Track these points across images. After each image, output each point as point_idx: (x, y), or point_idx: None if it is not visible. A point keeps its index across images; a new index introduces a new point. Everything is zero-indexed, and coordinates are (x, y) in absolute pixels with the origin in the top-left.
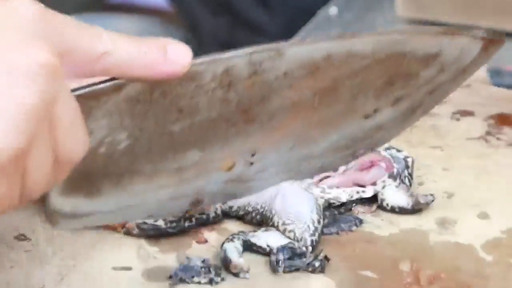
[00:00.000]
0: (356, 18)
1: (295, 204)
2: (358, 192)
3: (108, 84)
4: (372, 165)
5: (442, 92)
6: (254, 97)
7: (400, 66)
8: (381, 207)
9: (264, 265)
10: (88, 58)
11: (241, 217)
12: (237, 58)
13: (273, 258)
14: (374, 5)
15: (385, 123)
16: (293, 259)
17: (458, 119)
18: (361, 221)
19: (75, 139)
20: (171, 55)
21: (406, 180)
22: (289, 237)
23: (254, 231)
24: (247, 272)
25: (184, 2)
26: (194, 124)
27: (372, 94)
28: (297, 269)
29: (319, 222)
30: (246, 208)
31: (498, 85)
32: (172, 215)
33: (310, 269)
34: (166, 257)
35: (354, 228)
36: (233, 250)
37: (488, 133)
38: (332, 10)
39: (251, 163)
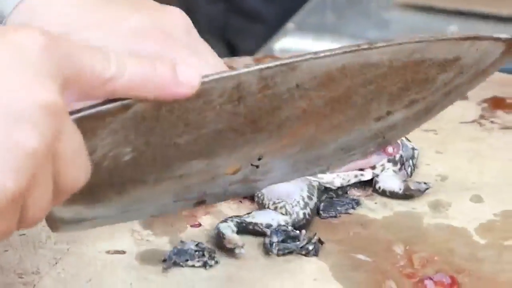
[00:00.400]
0: (350, 2)
1: (285, 186)
2: (356, 176)
3: (114, 104)
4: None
5: (459, 93)
6: (264, 109)
7: (417, 72)
8: (374, 190)
9: (257, 248)
10: (96, 83)
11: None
12: (248, 74)
13: (267, 240)
14: None
15: (397, 123)
16: (286, 242)
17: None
18: (358, 203)
19: (76, 170)
20: (181, 77)
21: (409, 169)
22: (282, 214)
23: (249, 213)
24: (242, 247)
25: None
26: (201, 136)
27: (386, 99)
28: (291, 252)
29: (310, 198)
30: None
31: None
32: (174, 214)
33: (303, 252)
34: (160, 240)
35: (351, 210)
36: (227, 228)
37: (482, 116)
38: None
39: (257, 166)
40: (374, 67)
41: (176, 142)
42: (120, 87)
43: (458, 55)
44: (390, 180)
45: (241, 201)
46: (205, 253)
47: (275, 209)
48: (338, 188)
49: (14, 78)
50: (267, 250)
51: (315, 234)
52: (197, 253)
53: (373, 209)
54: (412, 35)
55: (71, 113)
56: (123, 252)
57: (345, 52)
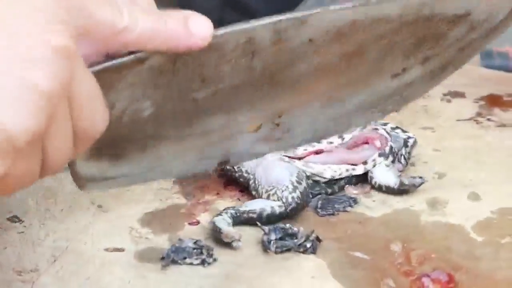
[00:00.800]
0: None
1: (275, 172)
2: (348, 170)
3: (129, 57)
4: (366, 142)
5: (473, 49)
6: (279, 63)
7: (428, 27)
8: (372, 186)
9: (255, 246)
10: (108, 34)
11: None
12: (260, 28)
13: (265, 238)
14: None
15: (414, 80)
16: (284, 239)
17: (449, 101)
18: (355, 201)
19: (93, 116)
20: (192, 28)
21: (402, 160)
22: (274, 200)
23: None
24: (239, 240)
25: None
26: (218, 90)
27: (400, 55)
28: (289, 250)
29: (299, 183)
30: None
31: (489, 67)
32: (198, 174)
33: (301, 250)
34: (158, 238)
35: (348, 208)
36: (222, 221)
37: (479, 114)
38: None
39: (278, 124)
40: (384, 22)
41: (194, 97)
42: (132, 39)
43: (468, 10)
44: (384, 175)
45: (239, 199)
46: (203, 250)
47: (268, 197)
48: (333, 183)
49: (27, 23)
50: (265, 247)
51: (313, 231)
52: (195, 250)
53: (371, 207)
54: None
55: (87, 66)
56: (122, 250)
57: (355, 7)
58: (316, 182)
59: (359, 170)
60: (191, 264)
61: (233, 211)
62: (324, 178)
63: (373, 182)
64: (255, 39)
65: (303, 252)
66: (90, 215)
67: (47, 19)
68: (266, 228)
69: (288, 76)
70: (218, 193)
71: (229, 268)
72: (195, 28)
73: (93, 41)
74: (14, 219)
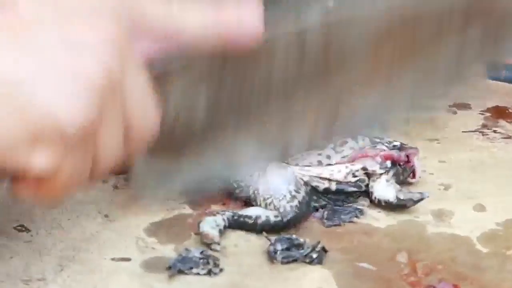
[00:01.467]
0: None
1: (272, 181)
2: (347, 167)
3: (180, 60)
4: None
5: None
6: (331, 60)
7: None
8: (371, 201)
9: (261, 256)
10: (161, 35)
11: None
12: (309, 26)
13: (271, 248)
14: None
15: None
16: (290, 249)
17: (455, 112)
18: (361, 212)
19: (145, 115)
20: (245, 28)
21: (405, 174)
22: (271, 210)
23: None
24: (218, 244)
25: None
26: (272, 85)
27: (455, 31)
28: (295, 260)
29: (297, 191)
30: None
31: (495, 79)
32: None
33: (307, 260)
34: (164, 248)
35: (355, 219)
36: (208, 222)
37: (484, 126)
38: (329, 3)
39: (335, 115)
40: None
41: (248, 92)
42: (185, 41)
43: None
44: (384, 190)
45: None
46: (210, 260)
47: (266, 206)
48: (347, 195)
49: (78, 13)
50: (271, 257)
51: (319, 242)
52: (201, 260)
53: (377, 217)
54: None
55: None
56: (128, 260)
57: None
58: (315, 189)
59: (358, 165)
60: (197, 274)
61: (230, 214)
62: (320, 187)
63: (373, 197)
64: (305, 38)
65: (309, 263)
66: (97, 225)
67: (100, 9)
68: (272, 238)
69: (341, 70)
70: (224, 203)
71: (235, 278)
72: (247, 28)
73: (146, 42)
74: (21, 228)
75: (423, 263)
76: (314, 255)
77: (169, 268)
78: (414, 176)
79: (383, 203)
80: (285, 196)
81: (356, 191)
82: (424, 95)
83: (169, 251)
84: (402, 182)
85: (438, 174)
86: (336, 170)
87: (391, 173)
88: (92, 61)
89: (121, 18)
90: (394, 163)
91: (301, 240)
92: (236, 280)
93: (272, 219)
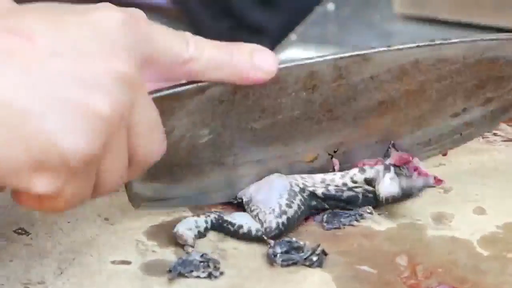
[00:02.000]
0: (353, 14)
1: (265, 191)
2: (344, 170)
3: (190, 86)
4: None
5: None
6: (339, 98)
7: (491, 70)
8: (380, 202)
9: (261, 259)
10: (174, 64)
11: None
12: (322, 63)
13: (271, 251)
14: (371, 1)
15: (474, 121)
16: (290, 252)
17: None
18: (361, 216)
19: (151, 144)
20: (258, 62)
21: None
22: (257, 221)
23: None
24: (192, 246)
25: (186, 5)
26: (277, 122)
27: (461, 96)
28: (295, 263)
29: (289, 206)
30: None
31: None
32: None
33: (307, 264)
34: (164, 251)
35: (355, 223)
36: (185, 223)
37: None
38: (330, 6)
39: (333, 156)
40: (448, 62)
41: (253, 126)
42: (197, 70)
43: None
44: (388, 187)
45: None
46: (210, 264)
47: (253, 217)
48: (348, 202)
49: (92, 48)
50: (270, 260)
51: (319, 245)
52: (202, 264)
53: (377, 221)
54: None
55: (149, 93)
56: (128, 263)
57: (419, 46)
58: (314, 194)
59: (357, 176)
60: (198, 277)
61: (215, 216)
62: (316, 192)
63: (380, 198)
64: (316, 74)
65: (309, 266)
66: (97, 228)
67: (114, 45)
68: (272, 241)
69: (347, 111)
70: (224, 207)
71: (235, 281)
72: (261, 62)
73: (158, 69)
74: (21, 231)
75: (423, 266)
76: (314, 258)
77: (170, 271)
78: (419, 173)
79: (390, 200)
80: (273, 210)
81: (355, 196)
82: (422, 149)
83: (169, 254)
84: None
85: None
86: (330, 174)
87: (392, 170)
88: (101, 98)
89: (136, 49)
90: (395, 165)
91: (301, 243)
92: (236, 283)
93: (254, 232)
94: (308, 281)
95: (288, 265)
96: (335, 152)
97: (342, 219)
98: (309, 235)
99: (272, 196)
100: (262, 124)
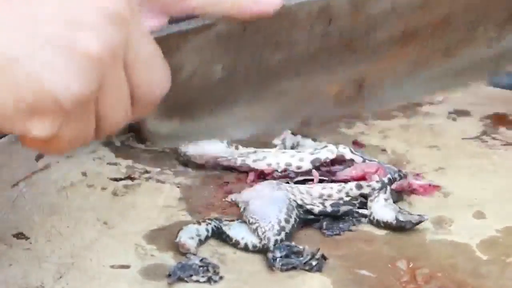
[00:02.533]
0: None
1: (264, 204)
2: (340, 185)
3: (195, 23)
4: (363, 178)
5: None
6: (358, 30)
7: None
8: (371, 222)
9: (261, 264)
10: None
11: None
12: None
13: (270, 255)
14: None
15: (509, 50)
16: (289, 257)
17: (454, 119)
18: (359, 221)
19: (152, 79)
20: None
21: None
22: (256, 236)
23: (232, 220)
24: (194, 254)
25: None
26: (293, 55)
27: (492, 26)
28: (294, 267)
29: (287, 221)
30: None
31: (496, 86)
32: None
33: (307, 268)
34: (163, 255)
35: (353, 227)
36: (187, 231)
37: (484, 133)
38: None
39: (360, 89)
40: None
41: (268, 61)
42: (200, 5)
43: None
44: (382, 210)
45: None
46: (210, 268)
47: (251, 230)
48: (335, 216)
49: None
50: (270, 265)
51: (318, 249)
52: (201, 268)
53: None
54: None
55: (152, 32)
56: (128, 267)
57: None
58: (309, 212)
59: (353, 191)
60: (197, 281)
61: (217, 225)
62: (313, 212)
63: (371, 218)
64: (331, 8)
65: (309, 270)
66: (96, 232)
67: None
68: (271, 246)
69: (368, 42)
70: (224, 211)
71: (234, 285)
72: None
73: (156, 3)
74: (20, 235)
75: (422, 270)
76: (314, 263)
77: (169, 275)
78: (412, 192)
79: (382, 224)
80: (273, 226)
81: (351, 210)
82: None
83: (168, 258)
84: (399, 198)
85: (437, 181)
86: (328, 187)
87: (388, 189)
88: (89, 37)
89: None
90: (391, 180)
91: (300, 247)
92: (236, 287)
93: (251, 248)
94: (307, 285)
95: (287, 270)
96: (360, 86)
97: (340, 225)
98: (308, 239)
99: (271, 209)
100: (278, 58)
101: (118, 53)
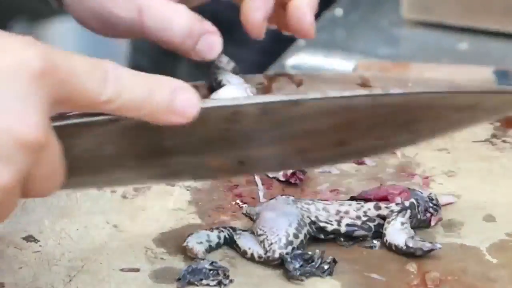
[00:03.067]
0: (361, 19)
1: (275, 217)
2: (359, 203)
3: (103, 117)
4: (386, 199)
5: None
6: (260, 128)
7: (428, 112)
8: (383, 243)
9: (271, 267)
10: (91, 104)
11: None
12: (249, 105)
13: (290, 267)
14: (380, 6)
15: (398, 143)
16: (304, 265)
17: None
18: (371, 247)
19: (49, 185)
20: (179, 104)
21: (428, 214)
22: (262, 247)
23: (246, 230)
24: (203, 260)
25: None
26: (190, 141)
27: (390, 127)
28: (311, 274)
29: (296, 236)
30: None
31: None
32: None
33: (319, 272)
34: (173, 258)
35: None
36: (196, 236)
37: (494, 135)
38: (337, 11)
39: (242, 163)
40: (385, 107)
41: (163, 144)
42: (114, 109)
43: (476, 103)
44: (395, 233)
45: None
46: (220, 271)
47: (258, 240)
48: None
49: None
50: (290, 276)
51: (323, 252)
52: (211, 272)
53: None
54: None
55: (57, 119)
56: (137, 270)
57: (354, 96)
58: (322, 229)
59: (371, 211)
60: (207, 285)
61: (228, 234)
62: (327, 229)
63: (384, 240)
64: (240, 113)
65: (321, 275)
66: (106, 235)
67: (24, 104)
68: (287, 257)
69: (267, 136)
70: (234, 214)
71: None
72: (182, 105)
73: (73, 108)
74: (30, 238)
75: (432, 273)
76: (326, 267)
77: (179, 279)
78: (430, 222)
79: (393, 248)
80: (280, 239)
81: (365, 235)
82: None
83: (178, 262)
84: (420, 224)
85: (447, 184)
86: (346, 204)
87: (407, 214)
88: (3, 166)
89: (47, 102)
90: (414, 205)
91: (310, 253)
92: None
93: (256, 259)
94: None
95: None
96: (241, 162)
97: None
98: (317, 243)
99: (281, 221)
100: (172, 143)
101: (27, 176)
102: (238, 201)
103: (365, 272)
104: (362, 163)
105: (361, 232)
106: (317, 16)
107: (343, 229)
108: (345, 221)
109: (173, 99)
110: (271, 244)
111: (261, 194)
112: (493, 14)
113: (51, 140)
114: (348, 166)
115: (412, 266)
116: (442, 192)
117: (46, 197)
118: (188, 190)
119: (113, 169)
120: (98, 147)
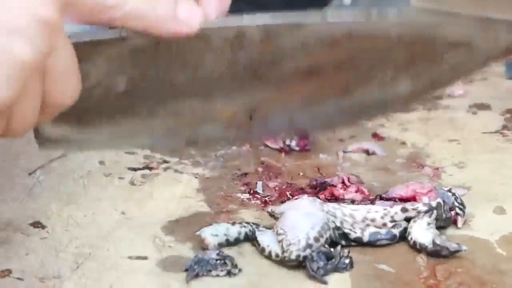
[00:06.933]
0: (368, 7)
1: (297, 217)
2: (385, 209)
3: (111, 34)
4: (413, 199)
5: (467, 71)
6: (265, 60)
7: (425, 49)
8: (407, 242)
9: None
10: (96, 10)
11: None
12: (252, 27)
13: (315, 267)
14: None
15: (401, 93)
16: (327, 264)
17: (475, 113)
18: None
19: (66, 89)
20: (181, 15)
21: (453, 212)
22: (279, 246)
23: (269, 228)
24: (216, 250)
25: None
26: (198, 78)
27: (391, 68)
28: (333, 271)
29: (317, 240)
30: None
31: None
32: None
33: (341, 268)
34: (181, 246)
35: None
36: (212, 229)
37: (504, 127)
38: (346, 0)
39: (251, 117)
40: (381, 39)
41: (172, 80)
42: (119, 17)
43: (470, 39)
44: (422, 233)
45: (263, 209)
46: (227, 261)
47: (278, 239)
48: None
49: None
50: (313, 276)
51: (340, 245)
52: (218, 262)
53: None
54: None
55: (68, 37)
56: (145, 258)
57: (354, 22)
58: (345, 235)
59: (398, 215)
60: (217, 276)
61: (250, 231)
62: (355, 237)
63: (409, 238)
64: (244, 36)
65: (343, 270)
66: (113, 222)
67: None
68: (313, 254)
69: (272, 74)
70: (242, 202)
71: (254, 278)
72: (185, 16)
73: (79, 12)
74: (37, 225)
75: (442, 266)
76: (347, 261)
77: (186, 270)
78: (456, 222)
79: (418, 246)
80: (299, 241)
81: (387, 244)
82: (345, 116)
83: (186, 250)
84: (444, 222)
85: (457, 176)
86: (373, 210)
87: (434, 215)
88: (23, 44)
89: None
90: (440, 204)
91: (331, 249)
92: (255, 280)
93: (273, 257)
94: (328, 279)
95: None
96: (254, 110)
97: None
98: None
99: (303, 223)
100: (181, 79)
101: (44, 60)
102: (245, 189)
103: (375, 263)
104: (373, 153)
105: (384, 242)
106: (326, 3)
107: (366, 238)
108: (370, 229)
109: (176, 9)
110: (289, 244)
111: (259, 184)
112: (501, 3)
113: (64, 35)
114: (358, 156)
115: (421, 258)
116: (453, 184)
117: (65, 108)
118: (196, 177)
119: (124, 116)
120: (110, 78)
